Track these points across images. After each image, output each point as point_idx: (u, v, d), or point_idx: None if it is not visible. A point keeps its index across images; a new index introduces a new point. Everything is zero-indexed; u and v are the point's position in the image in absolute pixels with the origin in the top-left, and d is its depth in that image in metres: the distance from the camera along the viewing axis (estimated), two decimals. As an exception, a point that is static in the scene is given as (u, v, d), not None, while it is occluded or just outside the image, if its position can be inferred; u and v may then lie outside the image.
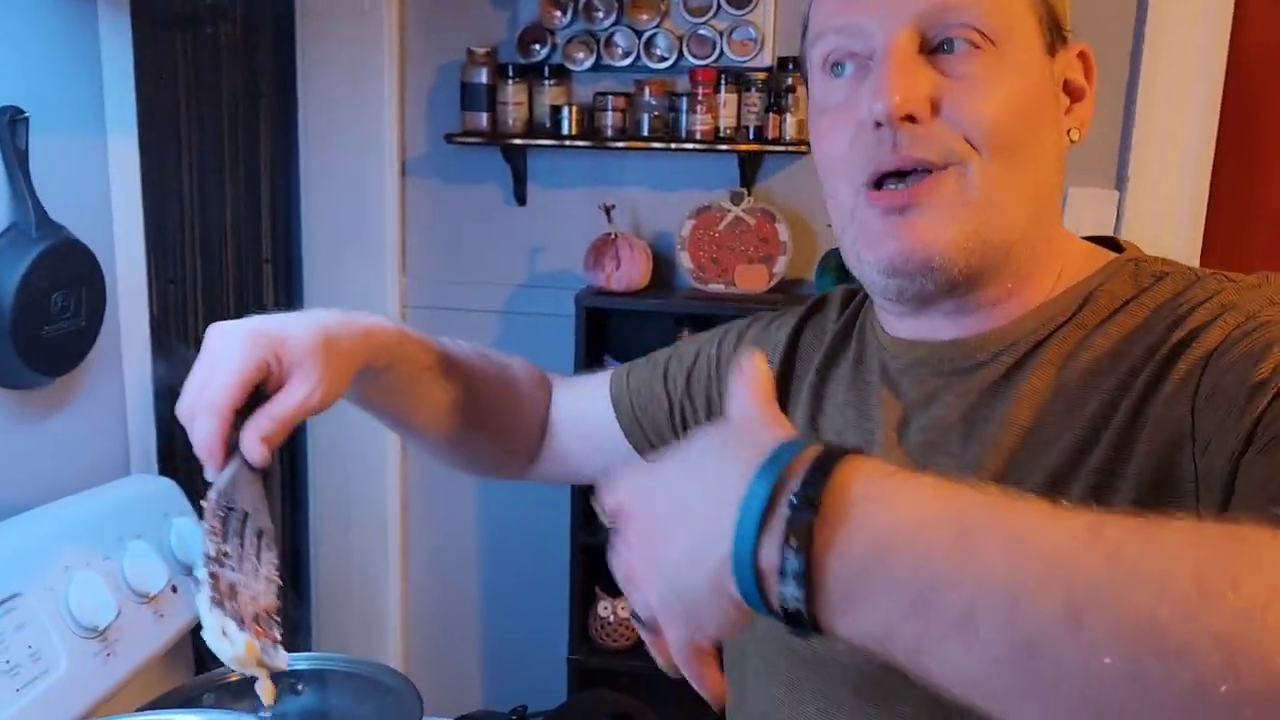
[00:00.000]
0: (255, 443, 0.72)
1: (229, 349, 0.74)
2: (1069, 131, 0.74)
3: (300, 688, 1.21)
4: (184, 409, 0.74)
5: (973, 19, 0.67)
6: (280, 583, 0.73)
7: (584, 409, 1.01)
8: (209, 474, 0.73)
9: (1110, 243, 0.78)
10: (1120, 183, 1.99)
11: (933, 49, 0.68)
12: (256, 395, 0.74)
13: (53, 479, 1.21)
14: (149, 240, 1.38)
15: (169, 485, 1.28)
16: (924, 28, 0.67)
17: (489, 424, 0.99)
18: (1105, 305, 0.71)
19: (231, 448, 0.72)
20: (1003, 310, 0.73)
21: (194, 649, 1.32)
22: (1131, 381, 0.66)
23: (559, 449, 1.02)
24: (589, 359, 2.08)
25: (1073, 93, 0.74)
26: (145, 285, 1.37)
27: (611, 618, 2.16)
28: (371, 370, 0.84)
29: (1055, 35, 0.71)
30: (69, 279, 1.19)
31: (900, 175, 0.69)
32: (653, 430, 0.97)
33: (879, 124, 0.67)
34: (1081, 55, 0.74)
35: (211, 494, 0.71)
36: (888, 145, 0.68)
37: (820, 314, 0.90)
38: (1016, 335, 0.72)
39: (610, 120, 2.05)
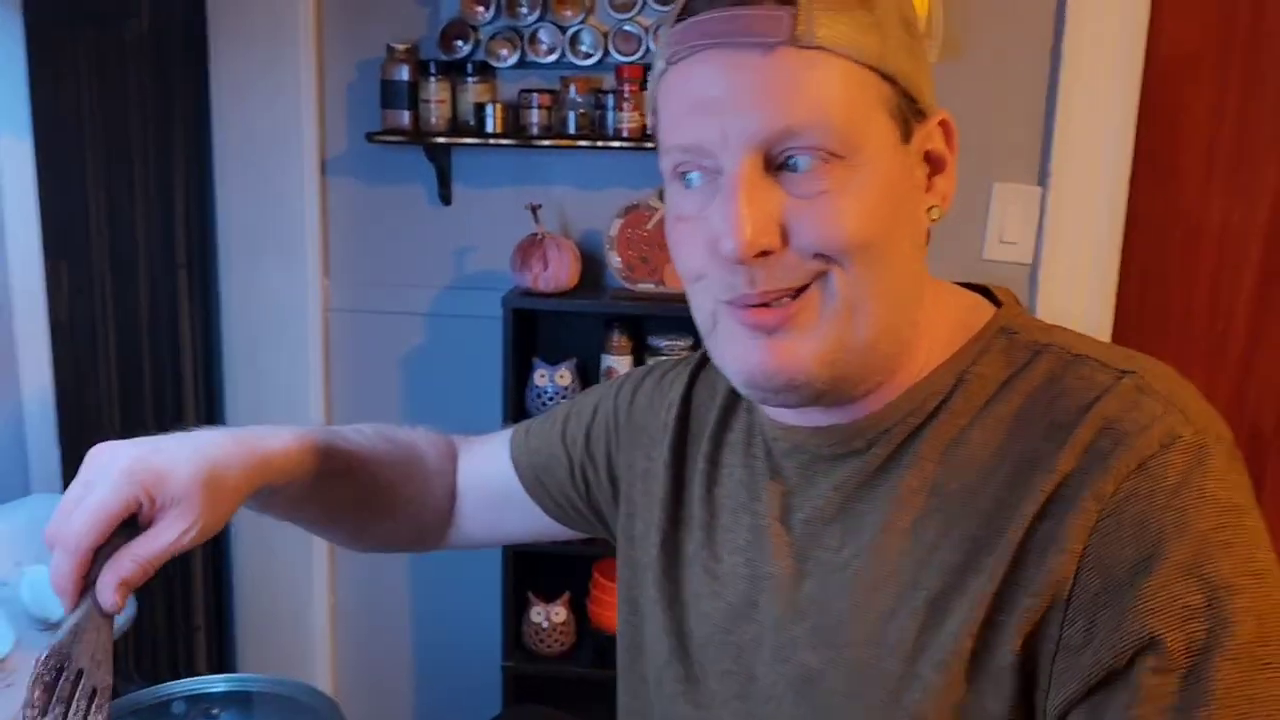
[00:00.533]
0: (110, 589, 0.68)
1: (101, 481, 0.69)
2: (929, 210, 0.71)
3: (215, 712, 1.17)
4: (48, 534, 0.70)
5: (818, 140, 0.64)
6: None
7: (488, 472, 0.99)
8: (62, 609, 0.69)
9: (984, 289, 0.77)
10: (1043, 178, 2.01)
11: (779, 165, 0.65)
12: (130, 524, 0.70)
13: (-55, 501, 1.15)
14: (50, 247, 1.31)
15: (72, 505, 1.22)
16: (768, 149, 0.65)
17: (396, 511, 0.96)
18: (978, 391, 0.70)
19: (89, 583, 0.68)
20: (874, 398, 0.72)
21: (102, 675, 1.26)
22: (1013, 502, 0.65)
23: (470, 517, 1.00)
24: (517, 362, 2.05)
25: (934, 162, 0.71)
26: (43, 294, 1.31)
27: (545, 623, 2.14)
28: (266, 489, 0.80)
29: (912, 117, 0.68)
30: (-43, 290, 1.13)
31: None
32: (557, 490, 0.95)
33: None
34: (942, 124, 0.71)
35: (42, 653, 0.67)
36: (743, 278, 0.66)
37: (709, 367, 0.88)
38: (889, 421, 0.71)
39: (536, 118, 2.02)
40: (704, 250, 0.68)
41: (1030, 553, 0.63)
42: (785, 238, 0.65)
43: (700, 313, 0.72)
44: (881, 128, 0.66)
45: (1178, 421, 0.63)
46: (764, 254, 0.65)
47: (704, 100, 0.65)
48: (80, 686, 0.68)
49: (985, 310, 0.74)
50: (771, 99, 0.64)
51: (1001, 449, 0.67)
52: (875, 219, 0.65)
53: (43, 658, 0.67)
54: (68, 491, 0.71)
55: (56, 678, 0.67)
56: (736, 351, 0.69)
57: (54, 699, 0.67)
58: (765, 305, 0.67)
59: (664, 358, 0.98)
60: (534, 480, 0.96)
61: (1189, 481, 0.61)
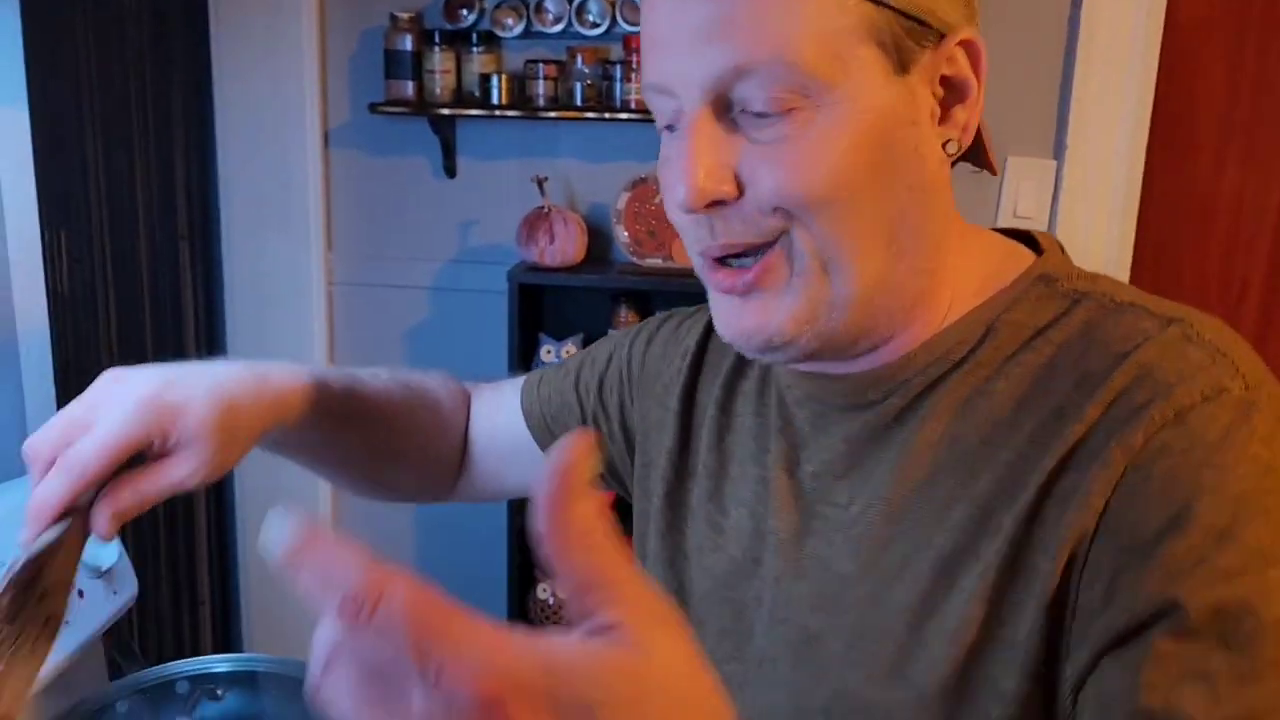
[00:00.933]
0: (107, 518, 0.64)
1: (115, 412, 0.65)
2: (945, 144, 0.63)
3: (220, 692, 1.15)
4: (29, 446, 0.65)
5: (775, 80, 0.57)
6: (37, 676, 0.62)
7: (498, 423, 0.96)
8: (24, 534, 0.63)
9: (1028, 237, 0.71)
10: (1059, 151, 1.98)
11: (742, 110, 0.59)
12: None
13: (-56, 479, 1.13)
14: (48, 218, 1.29)
15: (73, 482, 1.20)
16: (723, 92, 0.59)
17: (408, 458, 0.94)
18: (1008, 339, 0.63)
19: (69, 510, 0.63)
20: (890, 349, 0.66)
21: (106, 655, 1.25)
22: (1035, 457, 0.59)
23: (478, 467, 0.97)
24: (523, 337, 2.03)
25: (954, 89, 0.63)
26: (41, 267, 1.28)
27: (551, 600, 2.12)
28: (283, 427, 0.78)
29: (916, 42, 0.60)
30: (-46, 262, 1.10)
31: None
32: None
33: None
34: (964, 44, 0.62)
35: (18, 561, 0.61)
36: (705, 229, 0.62)
37: None
38: (909, 372, 0.66)
39: (542, 89, 1.98)
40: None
41: (1050, 510, 0.57)
42: (741, 189, 0.60)
43: (692, 260, 0.68)
44: (865, 61, 0.58)
45: (1226, 373, 0.57)
46: (719, 204, 0.60)
47: (661, 37, 0.61)
48: (39, 608, 0.62)
49: (1024, 258, 0.68)
50: (722, 36, 0.58)
51: (1026, 401, 0.61)
52: (844, 168, 0.59)
53: (18, 566, 0.61)
54: (68, 408, 0.66)
55: (28, 589, 0.61)
56: (718, 312, 0.66)
57: (16, 612, 0.61)
58: (735, 261, 0.63)
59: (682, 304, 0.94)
60: (544, 429, 0.92)
61: (1231, 438, 0.55)
